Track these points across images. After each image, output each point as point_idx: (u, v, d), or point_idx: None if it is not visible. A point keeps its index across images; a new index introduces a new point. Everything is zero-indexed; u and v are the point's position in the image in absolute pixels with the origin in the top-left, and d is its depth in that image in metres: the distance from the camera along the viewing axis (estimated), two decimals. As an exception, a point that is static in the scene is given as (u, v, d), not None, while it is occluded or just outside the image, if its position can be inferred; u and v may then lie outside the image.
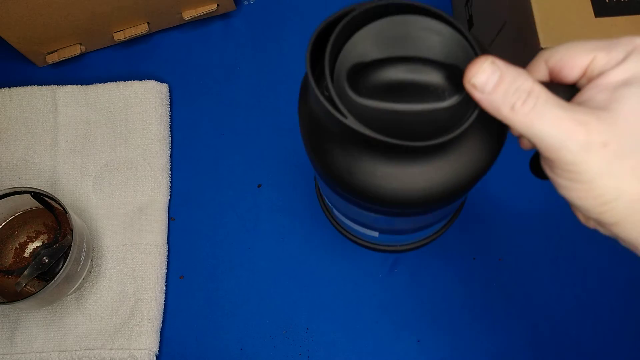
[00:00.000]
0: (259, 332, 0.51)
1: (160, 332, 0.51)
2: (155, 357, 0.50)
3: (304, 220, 0.53)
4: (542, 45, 0.40)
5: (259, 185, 0.55)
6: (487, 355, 0.50)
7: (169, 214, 0.54)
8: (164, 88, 0.56)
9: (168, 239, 0.53)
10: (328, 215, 0.50)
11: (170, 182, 0.55)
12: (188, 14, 0.56)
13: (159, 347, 0.50)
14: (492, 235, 0.53)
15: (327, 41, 0.28)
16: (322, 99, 0.27)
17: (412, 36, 0.28)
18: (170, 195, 0.54)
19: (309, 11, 0.60)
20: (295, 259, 0.53)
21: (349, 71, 0.28)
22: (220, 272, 0.53)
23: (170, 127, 0.56)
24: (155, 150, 0.54)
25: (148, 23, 0.56)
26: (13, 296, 0.47)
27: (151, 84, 0.55)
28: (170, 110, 0.57)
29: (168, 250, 0.53)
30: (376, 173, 0.30)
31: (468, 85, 0.26)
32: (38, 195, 0.46)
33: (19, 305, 0.44)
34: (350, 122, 0.27)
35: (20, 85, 0.55)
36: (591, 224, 0.29)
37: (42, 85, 0.55)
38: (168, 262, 0.53)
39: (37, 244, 0.50)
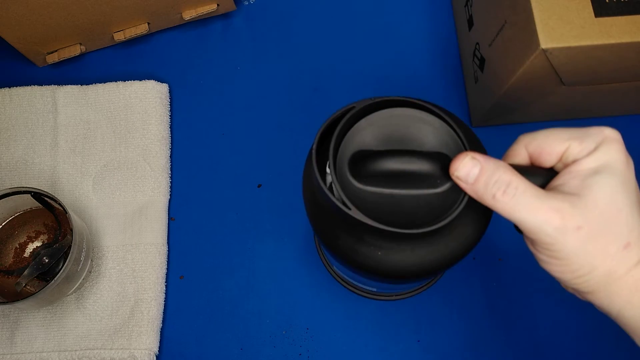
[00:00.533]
0: (259, 332, 0.51)
1: (160, 332, 0.51)
2: (155, 357, 0.50)
3: (304, 220, 0.53)
4: (542, 46, 0.40)
5: (259, 185, 0.55)
6: (486, 355, 0.50)
7: (169, 214, 0.54)
8: (164, 88, 0.56)
9: (168, 239, 0.53)
10: (327, 266, 0.51)
11: (170, 182, 0.55)
12: (188, 14, 0.56)
13: (159, 347, 0.50)
14: (492, 235, 0.53)
15: (329, 131, 0.32)
16: (327, 192, 0.30)
17: (407, 126, 0.32)
18: (170, 195, 0.54)
19: (308, 11, 0.60)
20: (295, 258, 0.53)
21: (350, 159, 0.31)
22: (220, 272, 0.53)
23: (170, 127, 0.56)
24: (155, 150, 0.54)
25: (148, 23, 0.56)
26: (13, 296, 0.47)
27: (151, 84, 0.55)
28: (170, 110, 0.57)
29: (168, 250, 0.53)
30: (377, 252, 0.34)
31: (453, 177, 0.30)
32: (38, 195, 0.46)
33: (19, 305, 0.44)
34: (354, 213, 0.30)
35: (20, 85, 0.55)
36: (570, 290, 0.33)
37: (42, 85, 0.55)
38: (168, 262, 0.53)
39: (37, 244, 0.50)
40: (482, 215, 0.34)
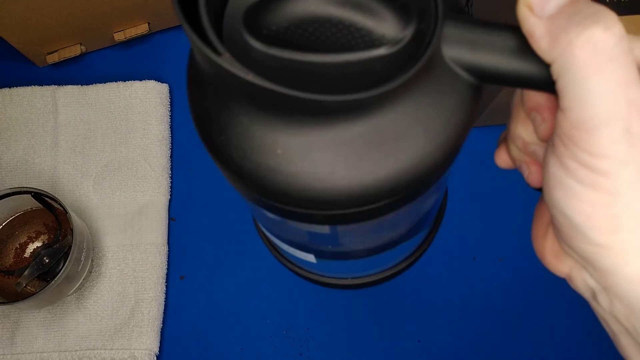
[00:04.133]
0: (260, 332, 0.51)
1: (161, 332, 0.51)
2: (155, 358, 0.50)
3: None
4: (543, 46, 0.40)
5: (259, 186, 0.55)
6: (487, 356, 0.50)
7: (169, 214, 0.54)
8: (164, 88, 0.56)
9: (168, 239, 0.53)
10: (264, 239, 0.37)
11: (171, 182, 0.55)
12: (188, 14, 0.55)
13: (160, 348, 0.50)
14: (493, 235, 0.53)
15: None
16: (185, 24, 0.17)
17: None
18: (170, 195, 0.54)
19: (309, 11, 0.60)
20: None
21: (248, 7, 0.19)
22: (220, 272, 0.53)
23: (170, 127, 0.56)
24: (155, 151, 0.54)
25: (148, 23, 0.56)
26: (13, 296, 0.47)
27: (151, 84, 0.55)
28: (171, 111, 0.57)
29: (168, 251, 0.53)
30: (276, 150, 0.19)
31: (522, 6, 0.18)
32: (38, 195, 0.46)
33: (20, 305, 0.44)
34: (226, 61, 0.17)
35: (20, 86, 0.55)
36: (563, 268, 0.23)
37: (42, 85, 0.55)
38: (168, 262, 0.53)
39: (38, 244, 0.50)
40: (455, 95, 0.20)
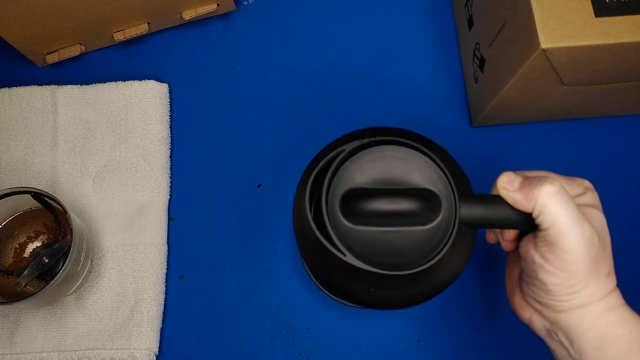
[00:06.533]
0: (259, 332, 0.51)
1: (160, 332, 0.51)
2: (155, 357, 0.50)
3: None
4: (542, 45, 0.39)
5: (259, 185, 0.55)
6: (487, 356, 0.50)
7: (168, 214, 0.54)
8: (163, 88, 0.56)
9: (168, 239, 0.53)
10: (315, 282, 0.50)
11: (170, 182, 0.55)
12: (188, 14, 0.55)
13: (159, 347, 0.50)
14: (492, 235, 0.53)
15: (315, 172, 0.35)
16: (324, 241, 0.32)
17: (395, 164, 0.34)
18: (170, 195, 0.54)
19: (308, 11, 0.60)
20: (295, 258, 0.53)
21: (341, 199, 0.33)
22: (220, 272, 0.53)
23: (170, 127, 0.56)
24: (155, 150, 0.54)
25: (148, 23, 0.56)
26: (13, 296, 0.47)
27: (151, 84, 0.55)
28: (170, 110, 0.57)
29: (168, 250, 0.53)
30: (370, 289, 0.35)
31: (499, 187, 0.33)
32: (38, 195, 0.46)
33: (19, 305, 0.44)
34: (350, 259, 0.32)
35: (20, 85, 0.55)
36: (526, 315, 0.36)
37: (42, 85, 0.55)
38: (168, 262, 0.53)
39: (37, 244, 0.50)
40: (467, 245, 0.36)
